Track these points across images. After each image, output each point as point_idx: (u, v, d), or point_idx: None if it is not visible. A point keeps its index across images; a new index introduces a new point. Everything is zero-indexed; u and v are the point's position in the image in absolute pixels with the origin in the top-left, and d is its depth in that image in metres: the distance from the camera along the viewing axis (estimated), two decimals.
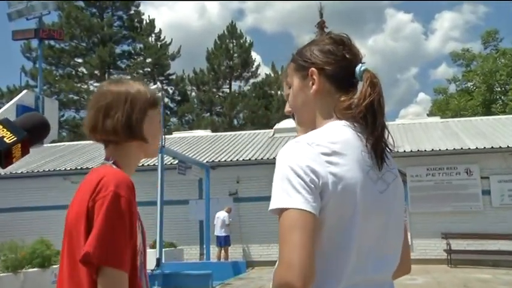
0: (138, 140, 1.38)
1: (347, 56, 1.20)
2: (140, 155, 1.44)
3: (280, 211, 1.03)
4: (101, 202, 1.21)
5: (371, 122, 1.13)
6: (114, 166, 1.35)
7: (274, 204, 1.05)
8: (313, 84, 1.20)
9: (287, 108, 1.34)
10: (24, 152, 1.14)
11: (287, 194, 1.03)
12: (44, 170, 15.27)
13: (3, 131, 1.12)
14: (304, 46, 1.27)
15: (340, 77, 1.19)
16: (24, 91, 19.06)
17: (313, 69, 1.20)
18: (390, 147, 1.16)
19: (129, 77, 31.79)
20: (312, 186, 1.03)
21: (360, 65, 1.20)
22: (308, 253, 0.98)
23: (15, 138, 1.11)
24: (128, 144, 1.38)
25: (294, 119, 1.40)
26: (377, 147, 1.12)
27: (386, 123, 1.17)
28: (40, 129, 1.19)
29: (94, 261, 1.17)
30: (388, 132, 1.16)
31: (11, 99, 19.80)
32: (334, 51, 1.20)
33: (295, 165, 1.05)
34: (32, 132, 1.15)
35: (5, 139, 1.10)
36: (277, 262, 1.02)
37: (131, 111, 1.36)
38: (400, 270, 1.23)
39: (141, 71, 33.81)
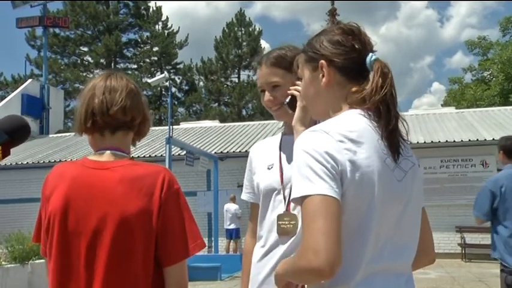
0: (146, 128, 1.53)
1: (356, 46, 1.19)
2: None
3: (304, 198, 1.03)
4: (174, 198, 1.34)
5: (385, 114, 1.12)
6: (127, 156, 1.44)
7: (297, 192, 1.05)
8: (323, 76, 1.20)
9: (267, 97, 1.63)
10: (5, 153, 1.19)
11: (309, 180, 1.03)
12: (49, 161, 15.20)
13: None
14: (314, 37, 1.26)
15: (350, 68, 1.19)
16: (29, 80, 18.98)
17: (322, 61, 1.20)
18: (404, 137, 1.16)
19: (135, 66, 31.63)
20: (333, 172, 1.04)
21: (371, 54, 1.18)
22: (334, 238, 0.98)
23: None
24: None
25: (272, 111, 1.66)
26: (392, 139, 1.12)
27: (400, 113, 1.16)
28: (21, 131, 1.24)
29: (194, 252, 1.34)
30: (403, 122, 1.16)
31: (16, 89, 19.86)
32: (343, 42, 1.19)
33: (314, 152, 1.06)
34: (13, 135, 1.20)
35: None
36: (300, 249, 1.02)
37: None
38: (424, 259, 1.26)
39: (147, 60, 33.62)
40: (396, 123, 1.14)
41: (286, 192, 1.56)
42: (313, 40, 1.25)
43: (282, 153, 1.64)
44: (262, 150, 1.72)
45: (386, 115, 1.12)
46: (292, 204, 1.53)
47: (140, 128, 1.49)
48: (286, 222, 1.52)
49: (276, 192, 1.58)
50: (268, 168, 1.63)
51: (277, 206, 1.57)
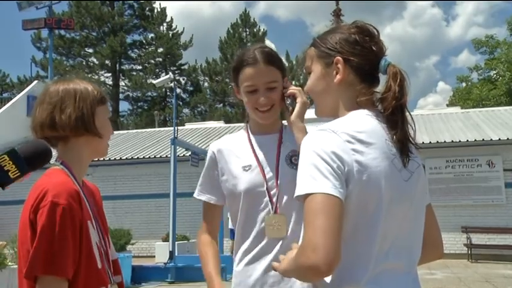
0: (91, 134, 1.42)
1: (374, 48, 1.19)
2: (90, 152, 1.48)
3: (307, 196, 1.03)
4: (40, 212, 1.26)
5: (400, 120, 1.14)
6: (62, 167, 1.41)
7: (300, 190, 1.05)
8: (337, 73, 1.19)
9: (263, 97, 1.54)
10: (22, 179, 1.19)
11: (314, 179, 1.04)
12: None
13: (9, 164, 1.16)
14: (328, 32, 1.25)
15: (364, 69, 1.19)
16: (35, 82, 19.05)
17: (339, 58, 1.19)
18: (413, 141, 1.18)
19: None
20: (339, 172, 1.04)
21: (384, 58, 1.20)
22: (334, 237, 0.99)
23: (18, 174, 1.16)
24: (77, 140, 1.43)
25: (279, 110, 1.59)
26: (404, 144, 1.13)
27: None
28: (43, 159, 1.23)
29: (38, 274, 1.22)
30: (413, 127, 1.17)
31: (21, 90, 19.96)
32: (361, 43, 1.19)
33: (321, 151, 1.06)
34: (35, 163, 1.19)
35: (9, 173, 1.15)
36: (300, 245, 1.03)
37: (82, 107, 1.41)
38: (433, 254, 1.28)
39: (152, 61, 33.71)
40: (408, 128, 1.16)
41: (272, 193, 1.53)
42: (327, 36, 1.24)
43: (257, 153, 1.59)
44: (229, 150, 1.63)
45: (400, 121, 1.14)
46: (279, 206, 1.52)
47: (101, 143, 1.48)
48: (275, 225, 1.50)
49: (261, 194, 1.54)
50: (245, 170, 1.56)
51: (263, 209, 1.53)
